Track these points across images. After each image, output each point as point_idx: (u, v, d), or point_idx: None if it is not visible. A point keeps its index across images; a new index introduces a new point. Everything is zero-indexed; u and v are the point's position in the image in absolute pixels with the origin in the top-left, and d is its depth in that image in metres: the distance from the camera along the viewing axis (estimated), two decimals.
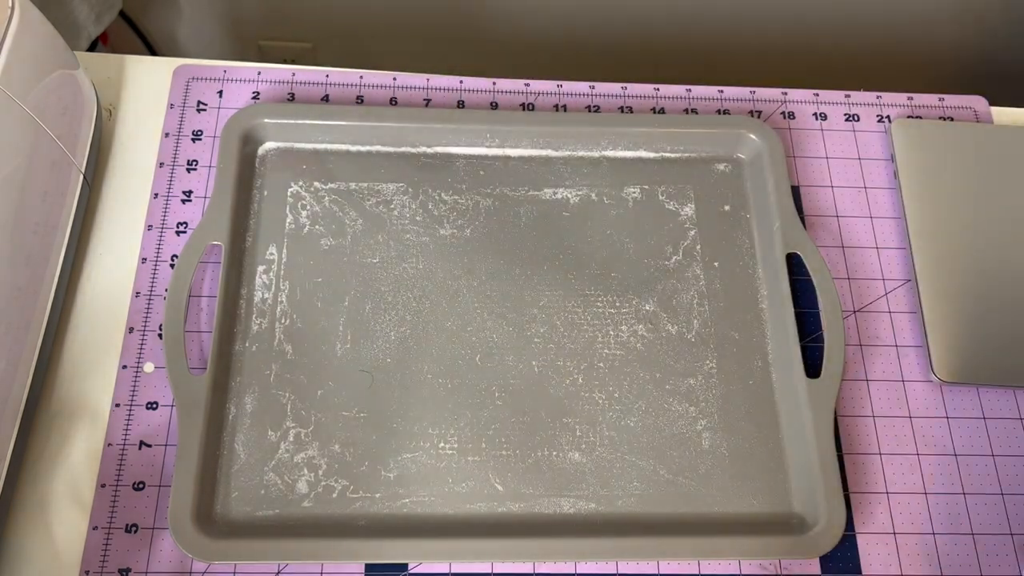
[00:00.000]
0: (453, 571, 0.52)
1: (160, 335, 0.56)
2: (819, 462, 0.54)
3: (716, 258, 0.62)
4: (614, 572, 0.53)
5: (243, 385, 0.56)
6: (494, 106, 0.66)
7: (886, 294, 0.62)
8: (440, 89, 0.67)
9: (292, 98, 0.65)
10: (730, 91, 0.68)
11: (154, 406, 0.55)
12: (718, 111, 0.67)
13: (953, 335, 0.59)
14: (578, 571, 0.53)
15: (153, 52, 1.03)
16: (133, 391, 0.55)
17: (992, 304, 0.60)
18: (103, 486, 0.53)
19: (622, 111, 0.67)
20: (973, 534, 0.55)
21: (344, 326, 0.58)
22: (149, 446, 0.54)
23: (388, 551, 0.51)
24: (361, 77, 0.67)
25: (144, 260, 0.59)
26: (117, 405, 0.55)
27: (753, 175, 0.64)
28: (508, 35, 1.01)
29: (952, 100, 0.69)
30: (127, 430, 0.54)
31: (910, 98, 0.69)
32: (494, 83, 0.67)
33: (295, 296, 0.58)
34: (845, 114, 0.68)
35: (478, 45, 1.03)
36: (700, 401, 0.57)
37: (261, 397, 0.55)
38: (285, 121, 0.62)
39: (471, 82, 0.67)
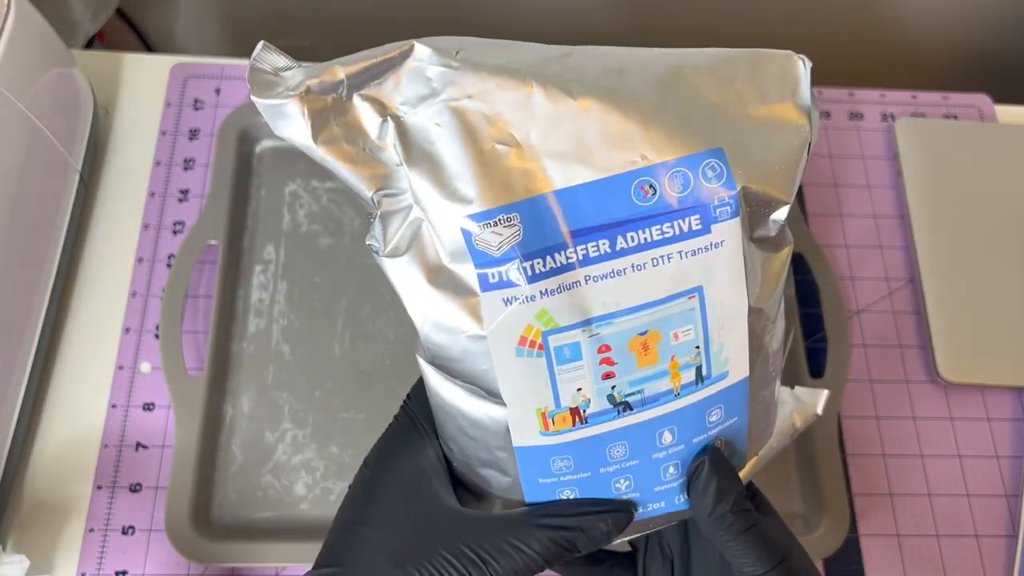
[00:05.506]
0: None
1: (157, 335, 0.56)
2: (822, 463, 0.53)
3: None
4: None
5: (240, 386, 0.55)
6: None
7: (889, 294, 0.61)
8: None
9: None
10: None
11: (151, 407, 0.55)
12: None
13: (957, 335, 0.59)
14: None
15: (150, 50, 1.03)
16: (129, 392, 0.55)
17: (996, 304, 0.60)
18: (99, 488, 0.52)
19: None
20: (977, 536, 0.55)
21: (342, 327, 0.57)
22: (146, 447, 0.54)
23: None
24: None
25: (140, 260, 0.58)
26: (113, 406, 0.54)
27: None
28: (508, 35, 1.01)
29: (956, 98, 0.69)
30: (123, 431, 0.54)
31: (914, 96, 0.69)
32: None
33: (293, 296, 0.58)
34: (848, 112, 0.68)
35: None
36: None
37: (258, 398, 0.55)
38: None
39: None
